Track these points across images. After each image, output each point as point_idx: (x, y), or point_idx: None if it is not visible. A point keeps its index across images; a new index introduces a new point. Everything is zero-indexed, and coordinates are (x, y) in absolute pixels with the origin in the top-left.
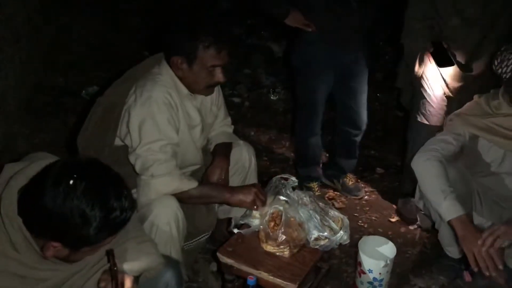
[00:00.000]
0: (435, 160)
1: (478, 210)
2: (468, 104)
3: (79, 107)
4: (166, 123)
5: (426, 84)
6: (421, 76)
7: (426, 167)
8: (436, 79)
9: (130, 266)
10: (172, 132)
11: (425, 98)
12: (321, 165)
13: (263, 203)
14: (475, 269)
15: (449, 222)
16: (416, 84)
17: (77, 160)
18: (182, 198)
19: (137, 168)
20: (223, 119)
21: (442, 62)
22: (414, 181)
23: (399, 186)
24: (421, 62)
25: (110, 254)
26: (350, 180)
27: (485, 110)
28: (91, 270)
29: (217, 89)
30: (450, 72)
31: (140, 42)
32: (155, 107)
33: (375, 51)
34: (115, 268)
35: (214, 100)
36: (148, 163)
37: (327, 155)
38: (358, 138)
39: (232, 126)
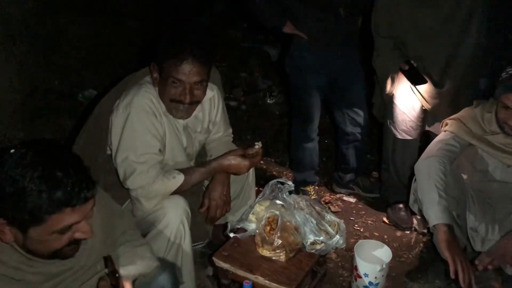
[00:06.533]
0: (439, 165)
1: (472, 211)
2: (465, 110)
3: (75, 110)
4: (145, 131)
5: (402, 102)
6: (394, 95)
7: (429, 171)
8: (411, 95)
9: (127, 271)
10: (152, 140)
11: (405, 114)
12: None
13: (252, 161)
14: (453, 276)
15: (435, 226)
16: (389, 103)
17: (35, 139)
18: (180, 191)
19: (120, 177)
20: (223, 132)
21: (415, 80)
22: (398, 189)
23: (384, 198)
24: (393, 81)
25: (108, 260)
26: (367, 180)
27: (479, 124)
28: (86, 274)
29: (217, 106)
30: (424, 87)
31: (137, 45)
32: (134, 115)
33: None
34: (117, 275)
35: (213, 118)
36: (126, 174)
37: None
38: (361, 136)
39: (232, 136)
